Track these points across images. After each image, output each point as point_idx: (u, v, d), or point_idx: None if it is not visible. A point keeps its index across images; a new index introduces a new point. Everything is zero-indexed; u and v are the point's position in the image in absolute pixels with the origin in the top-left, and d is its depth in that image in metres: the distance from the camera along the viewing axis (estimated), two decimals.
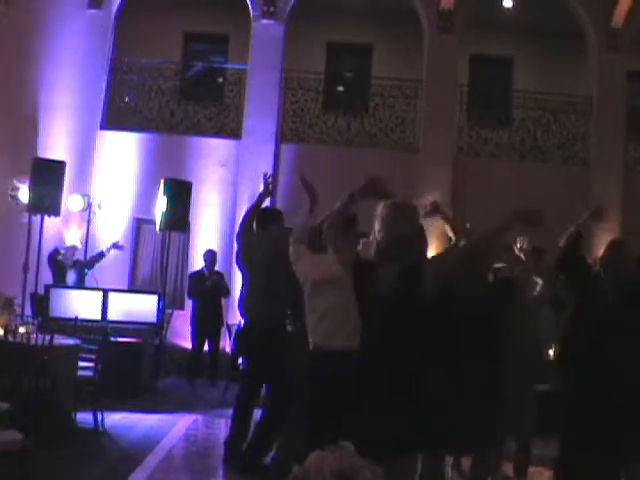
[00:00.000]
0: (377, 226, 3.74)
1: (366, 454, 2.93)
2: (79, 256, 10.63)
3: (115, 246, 10.55)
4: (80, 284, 10.04)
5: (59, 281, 9.96)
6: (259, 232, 5.99)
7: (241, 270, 6.15)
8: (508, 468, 5.13)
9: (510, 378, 4.67)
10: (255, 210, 6.04)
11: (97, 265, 10.46)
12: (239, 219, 11.81)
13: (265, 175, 6.05)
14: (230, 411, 6.01)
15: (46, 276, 10.03)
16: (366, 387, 3.64)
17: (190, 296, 10.99)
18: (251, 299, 5.91)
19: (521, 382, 4.96)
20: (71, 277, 10.10)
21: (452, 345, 4.23)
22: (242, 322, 9.30)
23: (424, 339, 3.69)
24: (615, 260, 4.75)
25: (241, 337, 6.72)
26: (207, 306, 10.55)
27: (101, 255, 10.43)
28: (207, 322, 10.55)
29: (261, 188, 6.14)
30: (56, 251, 10.31)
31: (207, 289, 10.51)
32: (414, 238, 3.78)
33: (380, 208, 3.75)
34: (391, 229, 3.69)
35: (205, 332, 10.64)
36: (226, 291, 10.73)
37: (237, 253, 6.18)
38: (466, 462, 5.46)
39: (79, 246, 10.70)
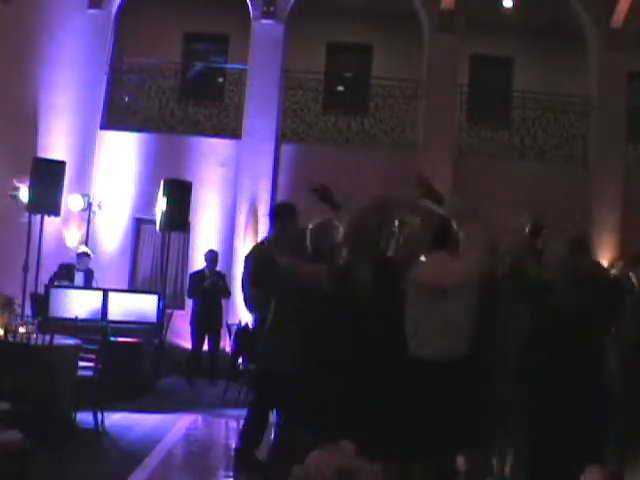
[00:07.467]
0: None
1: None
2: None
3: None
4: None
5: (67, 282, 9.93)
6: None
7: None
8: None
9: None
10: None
11: (97, 265, 10.47)
12: (239, 219, 11.73)
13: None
14: (230, 411, 6.02)
15: (46, 276, 10.01)
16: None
17: (189, 295, 10.98)
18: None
19: None
20: (78, 280, 10.06)
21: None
22: (241, 321, 9.17)
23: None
24: (518, 263, 4.40)
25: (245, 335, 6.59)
26: (206, 306, 10.52)
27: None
28: (207, 322, 10.54)
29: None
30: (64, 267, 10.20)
31: (206, 289, 10.50)
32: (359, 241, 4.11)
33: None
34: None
35: (205, 332, 10.63)
36: (226, 291, 10.70)
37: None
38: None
39: (90, 252, 10.50)
